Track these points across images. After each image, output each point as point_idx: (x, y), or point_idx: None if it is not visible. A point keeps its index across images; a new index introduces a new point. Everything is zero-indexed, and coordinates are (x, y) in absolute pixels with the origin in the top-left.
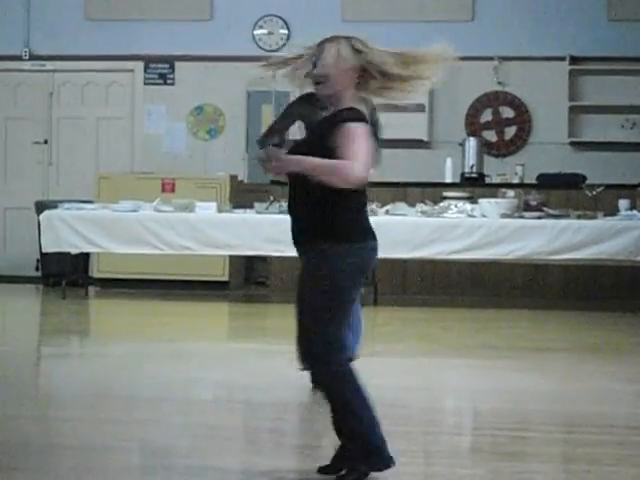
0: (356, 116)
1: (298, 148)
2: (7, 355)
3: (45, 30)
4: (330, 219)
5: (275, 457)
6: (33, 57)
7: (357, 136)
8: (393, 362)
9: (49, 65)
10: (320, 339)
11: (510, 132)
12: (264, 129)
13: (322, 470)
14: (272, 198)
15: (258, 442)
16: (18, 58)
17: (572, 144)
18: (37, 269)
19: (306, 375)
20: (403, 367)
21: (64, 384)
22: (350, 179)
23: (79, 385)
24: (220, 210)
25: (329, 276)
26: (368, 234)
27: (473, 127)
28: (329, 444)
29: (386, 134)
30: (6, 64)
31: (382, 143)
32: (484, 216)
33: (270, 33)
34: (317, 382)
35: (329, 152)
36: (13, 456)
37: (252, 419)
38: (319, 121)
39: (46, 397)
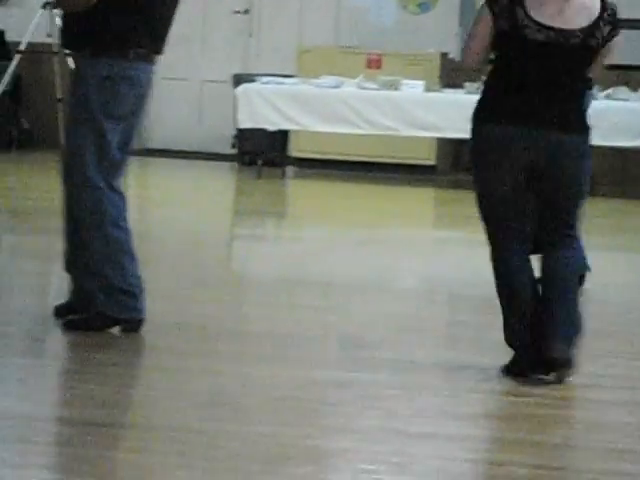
0: None
1: None
2: (201, 235)
3: None
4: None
5: (473, 352)
6: None
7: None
8: (607, 256)
9: None
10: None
11: None
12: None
13: None
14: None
15: (455, 336)
16: None
17: None
18: (233, 146)
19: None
20: (621, 262)
21: (256, 267)
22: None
23: (271, 269)
24: (428, 89)
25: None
26: (491, 117)
27: None
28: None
29: None
30: None
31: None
32: None
33: None
34: None
35: None
36: (194, 341)
37: (450, 312)
38: None
39: (237, 280)
